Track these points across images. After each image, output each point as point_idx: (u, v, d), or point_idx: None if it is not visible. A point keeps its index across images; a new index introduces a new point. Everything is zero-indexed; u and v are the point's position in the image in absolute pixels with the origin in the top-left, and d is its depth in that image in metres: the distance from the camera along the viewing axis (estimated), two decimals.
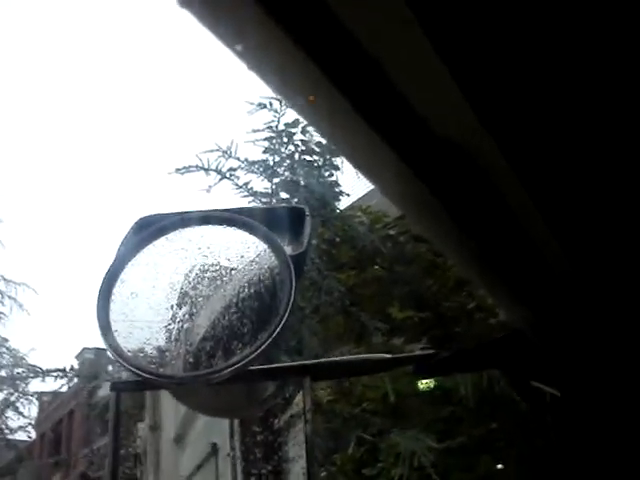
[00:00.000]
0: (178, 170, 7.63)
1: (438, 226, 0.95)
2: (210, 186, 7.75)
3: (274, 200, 8.05)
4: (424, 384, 8.81)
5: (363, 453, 8.41)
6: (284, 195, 8.27)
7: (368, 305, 8.54)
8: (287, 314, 1.38)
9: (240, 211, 1.59)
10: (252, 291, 1.43)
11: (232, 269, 1.47)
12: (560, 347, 1.33)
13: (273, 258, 1.44)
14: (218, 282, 1.47)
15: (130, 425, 12.37)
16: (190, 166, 7.63)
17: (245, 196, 7.89)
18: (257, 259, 1.47)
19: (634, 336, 1.22)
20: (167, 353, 1.42)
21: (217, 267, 1.48)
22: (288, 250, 1.50)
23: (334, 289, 7.69)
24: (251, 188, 7.90)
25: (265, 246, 1.47)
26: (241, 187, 7.82)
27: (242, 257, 1.48)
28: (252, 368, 1.40)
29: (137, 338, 1.43)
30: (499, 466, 9.00)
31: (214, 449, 6.22)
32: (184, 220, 1.52)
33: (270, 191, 7.92)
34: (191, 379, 1.41)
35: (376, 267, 8.94)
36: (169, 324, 1.45)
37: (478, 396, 7.38)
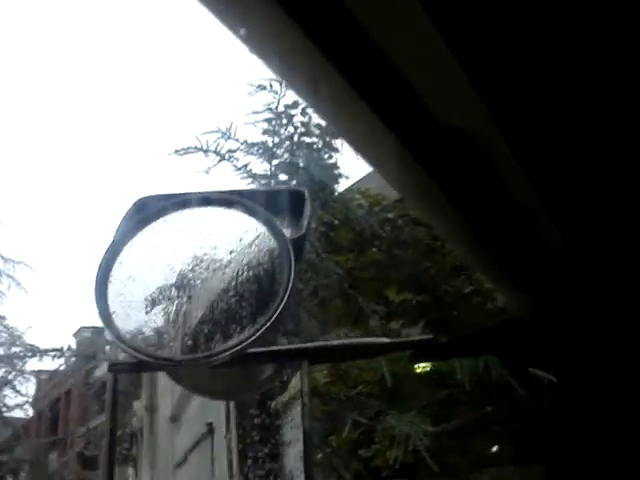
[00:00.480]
0: (177, 151, 7.61)
1: (438, 211, 0.95)
2: (209, 168, 7.74)
3: (273, 182, 8.04)
4: (421, 367, 8.85)
5: (359, 435, 8.46)
6: (283, 177, 8.26)
7: (366, 288, 8.55)
8: (286, 297, 1.37)
9: (240, 193, 1.58)
10: (251, 274, 1.43)
11: (231, 251, 1.46)
12: (558, 333, 1.33)
13: (272, 241, 1.44)
14: (217, 264, 1.46)
15: (126, 404, 12.42)
16: (189, 147, 7.62)
17: (244, 178, 7.89)
18: (256, 242, 1.47)
19: (633, 324, 1.22)
20: (165, 335, 1.42)
21: (216, 249, 1.47)
22: (287, 233, 1.49)
23: (332, 272, 7.70)
24: (250, 170, 7.89)
25: (264, 229, 1.46)
26: (240, 169, 7.81)
27: (241, 239, 1.47)
28: (250, 351, 1.40)
29: (135, 320, 1.43)
30: (494, 449, 9.06)
31: (210, 429, 6.25)
32: (183, 202, 1.51)
33: (269, 173, 7.91)
34: (189, 361, 1.41)
35: (374, 250, 8.95)
36: (167, 306, 1.44)
37: (474, 380, 7.42)
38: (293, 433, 6.32)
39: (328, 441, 8.27)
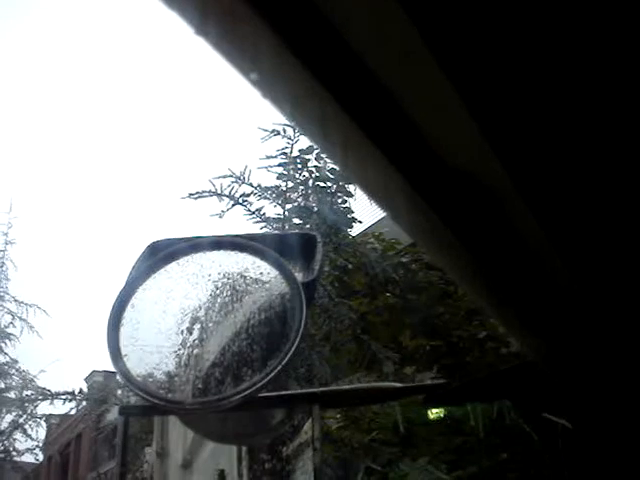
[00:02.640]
0: (191, 195, 7.66)
1: (449, 255, 0.95)
2: (223, 211, 7.77)
3: (286, 226, 8.06)
4: (434, 413, 8.75)
5: None
6: (297, 221, 8.28)
7: (379, 333, 8.51)
8: (297, 341, 1.37)
9: (252, 237, 1.59)
10: (263, 317, 1.43)
11: (243, 295, 1.47)
12: (572, 378, 1.32)
13: (284, 285, 1.44)
14: (229, 308, 1.47)
15: (137, 450, 12.31)
16: (203, 191, 7.67)
17: (257, 222, 7.90)
18: (268, 285, 1.47)
19: None
20: (176, 378, 1.42)
21: (228, 293, 1.48)
22: (299, 277, 1.50)
23: (345, 316, 7.67)
24: (264, 214, 7.91)
25: (276, 272, 1.47)
26: (253, 213, 7.83)
27: (253, 283, 1.48)
28: (261, 395, 1.40)
29: (147, 363, 1.43)
30: None
31: (221, 476, 6.18)
32: (196, 245, 1.53)
33: (282, 217, 7.93)
34: (200, 405, 1.41)
35: (388, 295, 8.92)
36: (179, 349, 1.44)
37: (488, 426, 7.32)
38: (304, 479, 6.25)
39: None
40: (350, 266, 8.48)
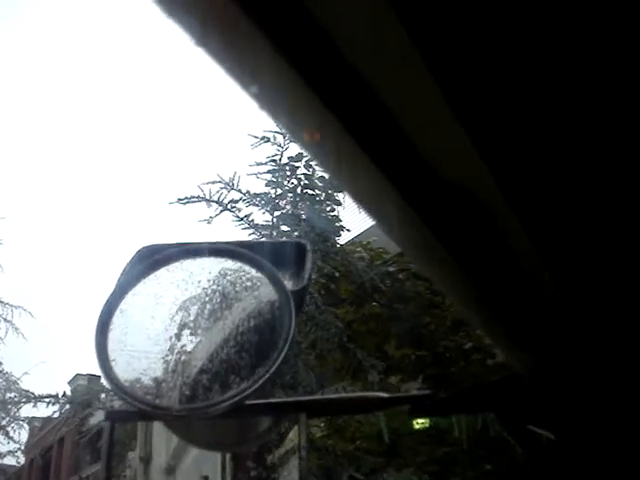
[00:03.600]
0: (180, 200, 7.66)
1: (438, 266, 0.96)
2: (211, 217, 7.78)
3: (275, 233, 8.07)
4: (419, 423, 8.77)
5: None
6: (285, 228, 8.29)
7: (365, 342, 8.53)
8: (286, 349, 1.37)
9: (242, 244, 1.60)
10: (252, 325, 1.43)
11: (232, 302, 1.47)
12: (557, 391, 1.33)
13: (274, 292, 1.45)
14: (218, 315, 1.47)
15: (121, 455, 12.25)
16: (192, 197, 7.67)
17: (246, 228, 7.92)
18: (258, 293, 1.48)
19: (634, 383, 1.22)
20: (164, 384, 1.41)
21: (217, 300, 1.48)
22: (289, 285, 1.50)
23: (331, 324, 7.68)
24: (252, 220, 7.92)
25: (266, 280, 1.47)
26: (242, 219, 7.84)
27: (243, 291, 1.48)
28: (248, 402, 1.40)
29: (134, 368, 1.43)
30: None
31: None
32: (186, 251, 1.53)
33: (271, 224, 7.94)
34: (187, 412, 1.41)
35: (374, 304, 8.94)
36: (167, 355, 1.44)
37: (473, 438, 7.34)
38: None
39: None
40: (337, 274, 8.50)
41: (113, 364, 1.41)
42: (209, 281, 1.50)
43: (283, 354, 1.37)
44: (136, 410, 1.43)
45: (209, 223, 7.76)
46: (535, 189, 0.81)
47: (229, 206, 7.79)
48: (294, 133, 0.67)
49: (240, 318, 1.45)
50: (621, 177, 0.82)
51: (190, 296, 1.50)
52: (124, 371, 1.41)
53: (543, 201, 0.83)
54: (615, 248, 0.97)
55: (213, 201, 7.71)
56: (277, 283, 1.45)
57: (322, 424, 8.24)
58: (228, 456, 6.27)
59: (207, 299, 1.48)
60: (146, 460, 8.41)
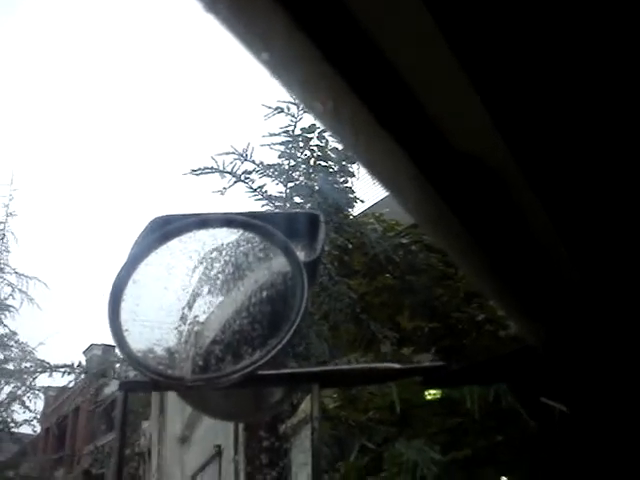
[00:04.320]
0: (193, 171, 7.66)
1: (452, 237, 0.95)
2: (224, 188, 7.78)
3: (288, 204, 8.06)
4: (431, 395, 8.80)
5: (368, 461, 8.40)
6: (298, 200, 8.28)
7: (378, 313, 8.54)
8: (298, 320, 1.37)
9: (255, 215, 1.59)
10: (264, 296, 1.43)
11: (245, 273, 1.47)
12: (571, 363, 1.32)
13: (286, 264, 1.44)
14: (230, 285, 1.47)
15: (135, 423, 12.39)
16: (205, 168, 7.67)
17: (259, 199, 7.92)
18: (270, 264, 1.47)
19: None
20: (176, 355, 1.42)
21: (230, 271, 1.48)
22: (302, 256, 1.50)
23: (344, 296, 7.69)
24: (265, 192, 7.92)
25: (279, 251, 1.46)
26: (255, 190, 7.84)
27: (255, 262, 1.48)
28: (261, 373, 1.40)
29: (147, 338, 1.43)
30: (503, 479, 8.97)
31: (218, 451, 6.22)
32: (199, 222, 1.52)
33: (284, 195, 7.93)
34: (199, 382, 1.41)
35: (387, 275, 8.94)
36: (180, 326, 1.45)
37: (484, 409, 7.37)
38: (302, 457, 6.29)
39: (336, 466, 8.22)
40: (350, 246, 8.50)
41: (126, 334, 1.41)
42: (222, 252, 1.50)
43: (295, 325, 1.37)
44: (149, 380, 1.43)
45: (222, 194, 7.76)
46: (553, 163, 0.80)
47: (242, 177, 7.79)
48: (307, 102, 0.66)
49: (252, 289, 1.45)
50: None
51: (203, 267, 1.49)
52: (137, 341, 1.41)
53: (561, 176, 0.82)
54: (633, 222, 0.96)
55: (226, 172, 7.70)
56: (290, 254, 1.45)
57: (335, 395, 8.28)
58: (241, 426, 6.33)
59: (220, 270, 1.48)
60: (160, 429, 8.49)
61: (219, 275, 1.48)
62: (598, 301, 1.15)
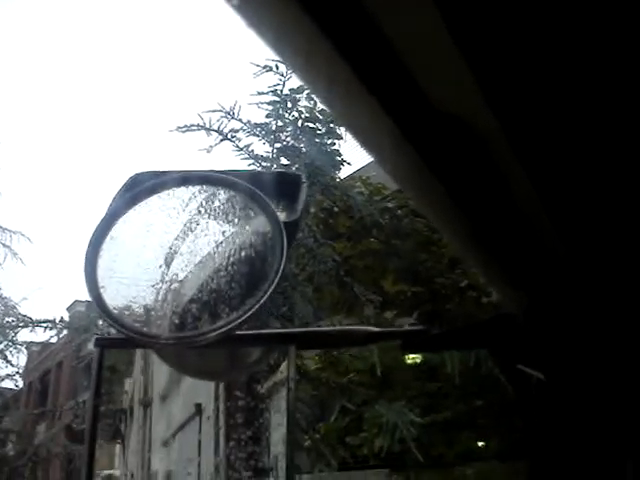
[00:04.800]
0: (179, 128, 7.58)
1: (434, 202, 0.93)
2: (211, 146, 7.71)
3: (274, 165, 8.01)
4: (412, 359, 8.86)
5: (348, 423, 8.49)
6: (285, 161, 8.23)
7: (362, 277, 8.55)
8: (276, 281, 1.36)
9: (236, 174, 1.56)
10: (242, 255, 1.41)
11: (224, 232, 1.45)
12: (549, 332, 1.32)
13: (266, 223, 1.42)
14: (208, 244, 1.45)
15: (118, 381, 12.41)
16: (192, 125, 7.59)
17: (245, 159, 7.85)
18: (250, 223, 1.45)
19: (626, 325, 1.21)
20: (153, 312, 1.40)
21: (209, 229, 1.46)
22: (282, 216, 1.48)
23: (329, 258, 7.69)
24: (252, 151, 7.86)
25: (259, 211, 1.45)
26: (242, 149, 7.77)
27: (235, 220, 1.46)
28: (238, 333, 1.39)
29: (124, 295, 1.41)
30: (480, 443, 9.10)
31: (198, 410, 6.26)
32: (178, 179, 1.50)
33: (271, 156, 7.87)
34: (175, 340, 1.40)
35: (372, 239, 8.94)
36: (157, 284, 1.43)
37: (465, 374, 7.42)
38: (278, 417, 6.34)
39: (317, 427, 8.30)
40: (336, 209, 8.48)
41: (102, 291, 1.39)
42: (201, 210, 1.48)
43: (273, 285, 1.36)
44: (125, 337, 1.41)
45: (209, 152, 7.69)
46: (538, 131, 0.78)
47: (229, 135, 7.71)
48: (283, 54, 0.63)
49: (231, 248, 1.43)
50: (626, 125, 0.79)
51: (182, 225, 1.47)
52: (113, 298, 1.40)
53: (545, 145, 0.80)
54: (616, 193, 0.94)
55: (213, 130, 7.62)
56: (270, 214, 1.43)
57: (317, 357, 8.33)
58: (221, 385, 6.36)
59: (199, 228, 1.46)
60: (142, 387, 8.51)
61: (198, 234, 1.46)
62: (579, 271, 1.15)
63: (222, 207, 1.47)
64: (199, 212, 1.48)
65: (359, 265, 8.82)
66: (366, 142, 0.80)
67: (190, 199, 1.49)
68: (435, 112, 0.72)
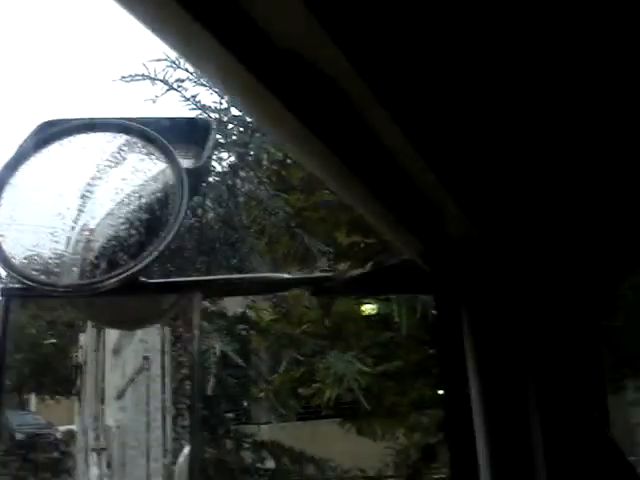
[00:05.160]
0: (123, 78, 7.43)
1: (301, 145, 0.92)
2: (156, 96, 7.58)
3: (225, 117, 7.92)
4: (367, 309, 8.94)
5: (302, 374, 8.56)
6: (236, 111, 8.12)
7: (316, 229, 8.55)
8: (176, 227, 1.35)
9: (141, 120, 1.54)
10: (143, 203, 1.40)
11: (124, 179, 1.43)
12: (453, 275, 1.33)
13: (168, 170, 1.41)
14: (109, 192, 1.43)
15: (73, 336, 12.36)
16: (136, 74, 7.44)
17: (193, 109, 7.72)
18: (152, 171, 1.44)
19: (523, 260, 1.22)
20: (51, 261, 1.39)
21: (109, 176, 1.44)
22: (187, 163, 1.47)
23: (280, 210, 7.67)
24: (199, 101, 7.73)
25: (162, 157, 1.43)
26: (188, 99, 7.65)
27: (136, 167, 1.44)
28: (142, 281, 1.38)
29: (23, 244, 1.40)
30: (435, 391, 9.24)
31: (147, 363, 6.28)
32: (79, 126, 1.48)
33: (219, 105, 7.76)
34: (73, 289, 1.39)
35: (325, 191, 8.92)
36: (56, 232, 1.41)
37: (417, 323, 7.50)
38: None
39: (269, 379, 8.37)
40: (288, 160, 8.43)
41: (1, 239, 1.37)
42: (102, 157, 1.46)
43: (173, 232, 1.35)
44: (29, 287, 1.40)
45: (154, 102, 7.56)
46: (377, 49, 0.75)
47: (175, 85, 7.58)
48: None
49: (131, 195, 1.42)
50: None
51: (82, 172, 1.45)
52: (12, 247, 1.38)
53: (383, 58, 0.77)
54: (491, 135, 0.94)
55: (158, 79, 7.47)
56: (171, 160, 1.41)
57: (270, 309, 8.36)
58: (167, 337, 6.38)
59: (98, 176, 1.44)
60: (96, 342, 8.49)
61: (98, 181, 1.44)
62: (468, 218, 1.15)
63: (123, 153, 1.45)
64: (100, 159, 1.45)
65: (313, 217, 8.82)
66: (219, 85, 0.79)
67: (91, 146, 1.47)
68: (276, 50, 0.70)
